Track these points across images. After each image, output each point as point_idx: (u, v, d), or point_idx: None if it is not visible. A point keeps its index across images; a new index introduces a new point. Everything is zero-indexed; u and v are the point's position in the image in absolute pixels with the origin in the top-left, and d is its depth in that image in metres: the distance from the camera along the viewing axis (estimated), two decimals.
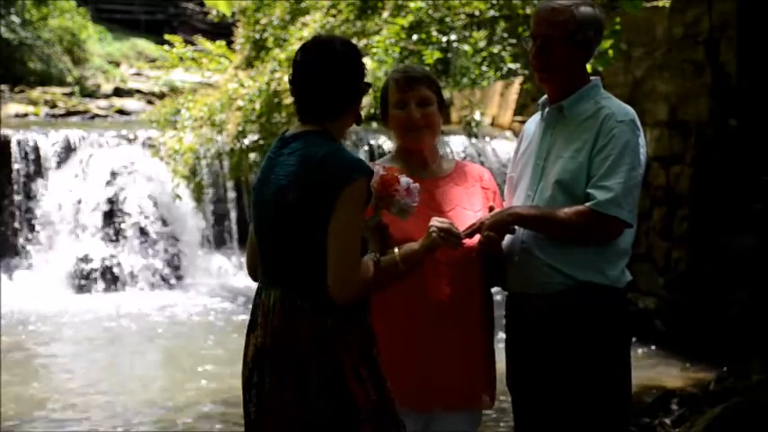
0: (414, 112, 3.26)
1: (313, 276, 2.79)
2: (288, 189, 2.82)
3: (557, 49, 3.19)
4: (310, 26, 10.12)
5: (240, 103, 10.64)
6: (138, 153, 12.26)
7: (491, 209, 3.22)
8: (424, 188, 3.24)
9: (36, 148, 11.86)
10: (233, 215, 12.15)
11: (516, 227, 3.16)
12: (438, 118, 3.32)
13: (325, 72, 2.86)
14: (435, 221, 3.10)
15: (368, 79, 3.00)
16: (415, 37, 9.60)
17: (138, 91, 19.66)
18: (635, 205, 3.13)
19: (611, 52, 6.78)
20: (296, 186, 2.80)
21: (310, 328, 2.78)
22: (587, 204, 3.08)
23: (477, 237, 3.15)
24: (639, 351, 7.91)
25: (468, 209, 3.28)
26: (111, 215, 11.80)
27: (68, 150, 12.11)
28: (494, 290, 3.36)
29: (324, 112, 2.89)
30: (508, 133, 13.28)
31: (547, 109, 3.29)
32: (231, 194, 12.09)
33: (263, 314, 2.86)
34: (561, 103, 3.23)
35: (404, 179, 2.99)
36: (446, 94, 3.29)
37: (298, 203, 2.80)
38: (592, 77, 3.31)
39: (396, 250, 3.10)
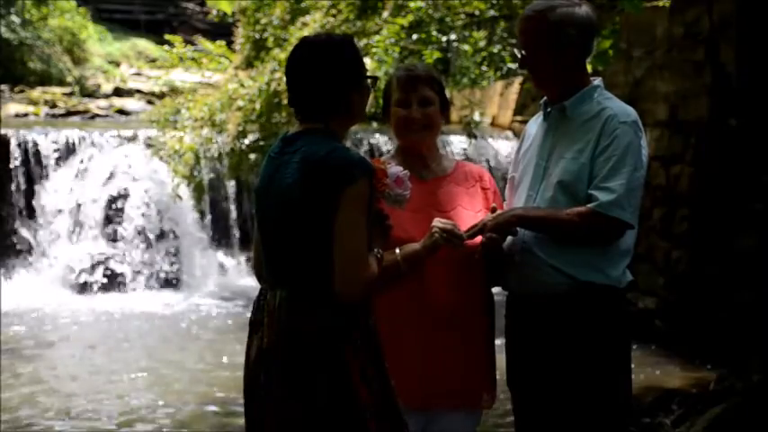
0: (414, 112, 3.27)
1: (319, 276, 2.79)
2: (292, 188, 2.82)
3: (539, 56, 3.20)
4: (310, 26, 10.11)
5: (240, 103, 10.62)
6: (138, 153, 12.26)
7: (493, 210, 3.22)
8: (425, 188, 3.26)
9: (36, 148, 11.86)
10: (233, 215, 12.16)
11: (518, 227, 3.16)
12: (438, 118, 3.32)
13: (311, 67, 2.86)
14: (438, 222, 3.10)
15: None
16: (414, 37, 9.60)
17: (138, 91, 19.64)
18: (637, 206, 3.14)
19: (611, 52, 6.78)
20: (299, 186, 2.80)
21: (317, 327, 2.79)
22: (589, 205, 3.09)
23: (478, 238, 3.15)
24: (639, 351, 7.90)
25: (468, 209, 3.29)
26: (111, 215, 11.80)
27: (68, 150, 12.11)
28: (494, 290, 3.37)
29: (317, 108, 2.88)
30: (508, 133, 13.30)
31: (549, 109, 3.30)
32: (231, 194, 12.09)
33: (269, 314, 2.86)
34: (563, 103, 3.24)
35: (392, 170, 2.97)
36: (446, 94, 3.30)
37: (302, 203, 2.80)
38: (594, 78, 3.31)
39: (397, 250, 3.11)
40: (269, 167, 2.94)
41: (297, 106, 2.93)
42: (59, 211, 11.72)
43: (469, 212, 3.27)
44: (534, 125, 3.40)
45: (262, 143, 10.46)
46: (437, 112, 3.31)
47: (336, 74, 2.86)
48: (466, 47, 10.52)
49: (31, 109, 16.62)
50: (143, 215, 11.83)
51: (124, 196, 11.89)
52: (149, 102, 18.11)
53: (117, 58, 23.32)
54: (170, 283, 11.55)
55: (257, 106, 10.41)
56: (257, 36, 11.67)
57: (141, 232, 11.76)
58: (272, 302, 2.86)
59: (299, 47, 2.93)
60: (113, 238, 11.70)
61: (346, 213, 2.75)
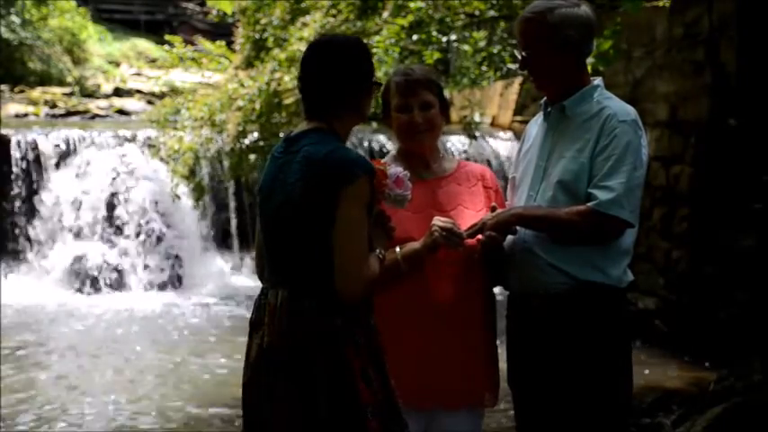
0: (416, 117, 3.27)
1: (320, 276, 2.79)
2: (294, 188, 2.83)
3: (539, 57, 3.20)
4: (310, 26, 10.10)
5: (240, 103, 10.61)
6: (138, 153, 12.27)
7: (493, 209, 3.22)
8: (426, 187, 3.26)
9: (36, 149, 11.87)
10: (233, 215, 12.16)
11: (518, 227, 3.17)
12: (439, 120, 3.33)
13: (324, 66, 2.88)
14: (437, 221, 3.11)
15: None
16: (415, 37, 9.59)
17: (138, 91, 19.65)
18: (637, 205, 3.14)
19: (611, 52, 6.77)
20: (301, 186, 2.81)
21: (318, 327, 2.79)
22: (589, 204, 3.09)
23: (478, 236, 3.16)
24: (639, 351, 7.90)
25: (469, 208, 3.29)
26: (111, 215, 11.81)
27: (68, 150, 12.12)
28: (495, 290, 3.36)
29: (324, 107, 2.89)
30: (508, 133, 13.30)
31: (549, 109, 3.30)
32: (231, 194, 12.09)
33: (270, 314, 2.86)
34: (563, 103, 3.24)
35: (392, 170, 2.98)
36: (446, 94, 3.30)
37: (303, 203, 2.81)
38: (594, 78, 3.31)
39: (397, 249, 3.11)
40: (272, 167, 2.95)
41: (305, 104, 2.95)
42: (59, 211, 11.72)
43: (470, 212, 3.27)
44: (535, 126, 3.41)
45: (262, 143, 10.45)
46: (438, 114, 3.32)
47: (345, 75, 2.88)
48: (466, 47, 10.52)
49: (31, 109, 16.63)
50: (143, 215, 11.83)
51: (124, 196, 11.89)
52: (149, 102, 18.12)
53: (117, 59, 23.33)
54: (170, 283, 11.55)
55: (257, 106, 10.40)
56: (257, 36, 11.66)
57: (141, 232, 11.76)
58: (274, 302, 2.86)
59: (312, 45, 2.96)
60: (113, 239, 11.69)
61: (346, 213, 2.76)
